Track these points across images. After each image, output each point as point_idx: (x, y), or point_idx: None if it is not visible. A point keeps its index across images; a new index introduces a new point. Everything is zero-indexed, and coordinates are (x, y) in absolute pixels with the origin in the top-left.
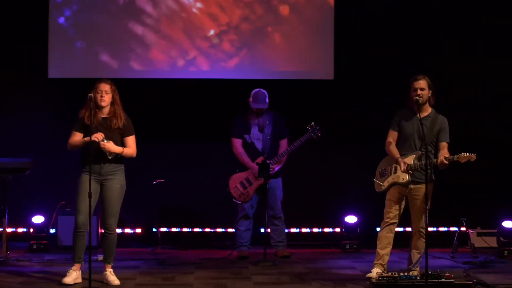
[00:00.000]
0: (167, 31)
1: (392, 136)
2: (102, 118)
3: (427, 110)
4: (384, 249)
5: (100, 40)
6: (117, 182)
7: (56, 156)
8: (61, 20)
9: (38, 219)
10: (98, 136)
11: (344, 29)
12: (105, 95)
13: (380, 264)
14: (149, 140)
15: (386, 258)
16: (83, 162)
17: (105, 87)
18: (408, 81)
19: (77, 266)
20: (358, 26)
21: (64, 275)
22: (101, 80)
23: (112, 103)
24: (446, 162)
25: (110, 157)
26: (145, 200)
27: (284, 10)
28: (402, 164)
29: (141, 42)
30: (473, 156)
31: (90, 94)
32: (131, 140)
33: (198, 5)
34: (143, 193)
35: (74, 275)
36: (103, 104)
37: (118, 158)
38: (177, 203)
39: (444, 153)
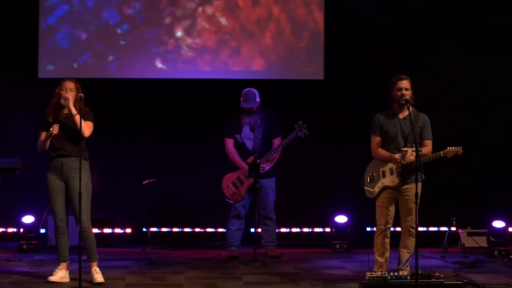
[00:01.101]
0: (159, 31)
1: (376, 142)
2: (65, 114)
3: (409, 108)
4: (383, 256)
5: (90, 40)
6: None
7: (46, 157)
8: (52, 20)
9: (28, 219)
10: (54, 129)
11: (334, 28)
12: (70, 92)
13: (381, 272)
14: (138, 140)
15: (386, 265)
16: (48, 159)
17: (70, 85)
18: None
19: (63, 265)
20: (348, 25)
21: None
22: (66, 78)
23: (76, 100)
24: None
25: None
26: (135, 200)
27: (275, 9)
28: (397, 157)
29: (131, 41)
30: (459, 150)
31: (80, 94)
32: (87, 123)
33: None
34: (132, 193)
35: (60, 274)
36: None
37: (81, 154)
38: (167, 203)
39: (428, 150)
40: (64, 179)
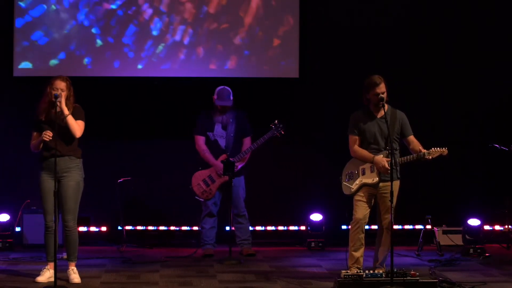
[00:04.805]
0: (134, 30)
1: (354, 141)
2: (57, 112)
3: (384, 107)
4: (358, 250)
5: (66, 39)
6: (72, 179)
7: (21, 154)
8: (27, 19)
9: (3, 217)
10: (46, 136)
11: (309, 26)
12: (61, 93)
13: (357, 267)
14: (113, 138)
15: (362, 259)
16: (40, 159)
17: (61, 85)
18: (364, 81)
19: (51, 265)
20: (324, 23)
21: (32, 274)
22: (57, 77)
23: (67, 99)
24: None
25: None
26: (110, 198)
27: (250, 7)
28: (386, 163)
29: (107, 40)
30: (444, 150)
31: (55, 93)
32: (79, 122)
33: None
34: (108, 191)
35: (47, 274)
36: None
37: (74, 152)
38: (142, 201)
39: (418, 144)
40: (58, 178)
